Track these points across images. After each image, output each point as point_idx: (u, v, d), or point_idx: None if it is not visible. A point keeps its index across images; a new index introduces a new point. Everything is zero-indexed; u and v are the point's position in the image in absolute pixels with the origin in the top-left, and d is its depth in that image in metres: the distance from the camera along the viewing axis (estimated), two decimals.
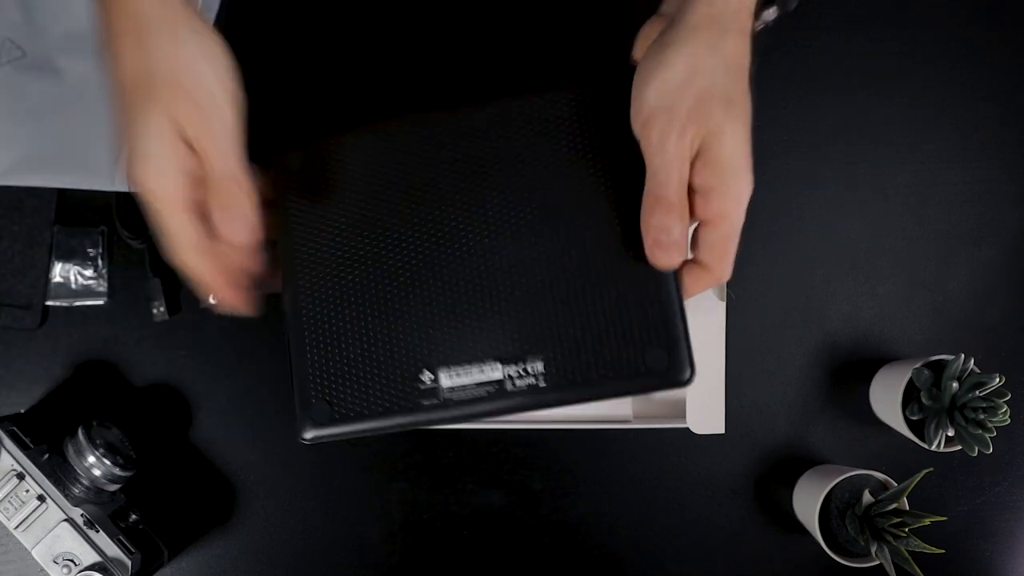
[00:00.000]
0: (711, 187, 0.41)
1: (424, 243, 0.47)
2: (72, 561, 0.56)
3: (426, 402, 0.45)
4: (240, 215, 0.42)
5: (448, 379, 0.45)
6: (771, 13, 0.48)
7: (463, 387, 0.45)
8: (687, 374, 0.43)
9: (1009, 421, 0.59)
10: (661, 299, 0.44)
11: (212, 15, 0.62)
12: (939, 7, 0.70)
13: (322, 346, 0.47)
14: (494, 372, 0.45)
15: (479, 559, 0.66)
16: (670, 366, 0.43)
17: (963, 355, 0.60)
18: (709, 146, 0.40)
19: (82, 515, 0.56)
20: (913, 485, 0.61)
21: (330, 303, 0.47)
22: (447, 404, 0.45)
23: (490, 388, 0.44)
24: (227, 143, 0.41)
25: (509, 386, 0.44)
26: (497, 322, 0.45)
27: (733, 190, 0.41)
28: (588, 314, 0.45)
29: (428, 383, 0.45)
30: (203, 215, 0.42)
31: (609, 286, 0.45)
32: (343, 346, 0.46)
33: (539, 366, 0.44)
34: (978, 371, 0.61)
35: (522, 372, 0.45)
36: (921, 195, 0.69)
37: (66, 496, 0.56)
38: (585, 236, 0.46)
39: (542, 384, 0.44)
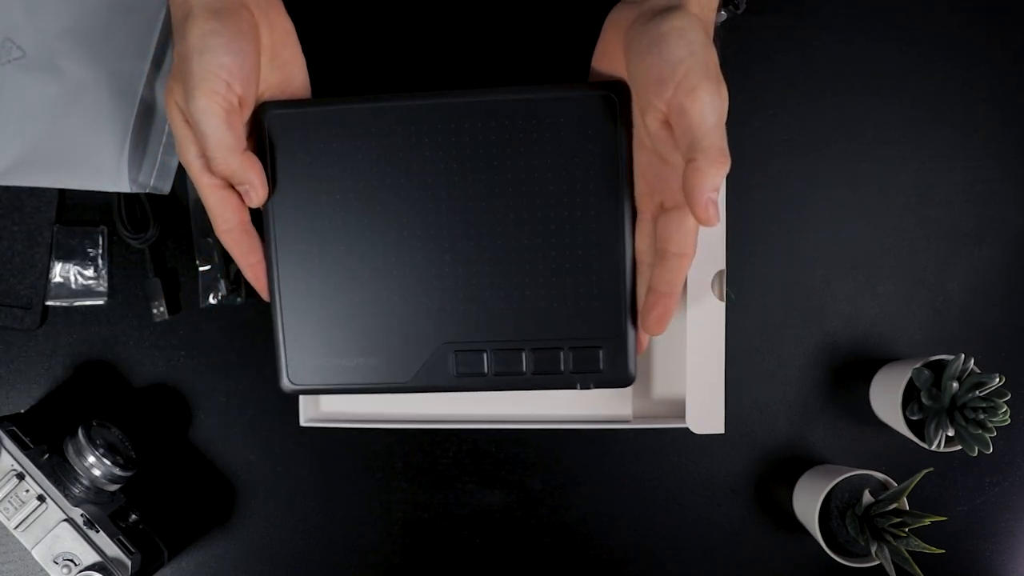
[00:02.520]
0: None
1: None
2: (72, 561, 0.56)
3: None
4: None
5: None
6: (721, 16, 0.52)
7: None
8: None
9: (1009, 421, 0.59)
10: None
11: None
12: (939, 7, 0.70)
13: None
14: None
15: (479, 559, 0.66)
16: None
17: (963, 355, 0.60)
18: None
19: (82, 515, 0.56)
20: (913, 485, 0.61)
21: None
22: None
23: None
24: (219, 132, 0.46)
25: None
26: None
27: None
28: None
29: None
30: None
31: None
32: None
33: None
34: (978, 371, 0.61)
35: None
36: (921, 195, 0.69)
37: (66, 496, 0.56)
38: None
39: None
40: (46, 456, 0.57)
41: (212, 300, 0.64)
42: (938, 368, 0.62)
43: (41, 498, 0.56)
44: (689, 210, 0.42)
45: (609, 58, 0.49)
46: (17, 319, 0.63)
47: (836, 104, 0.69)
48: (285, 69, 0.50)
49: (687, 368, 0.58)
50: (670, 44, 0.43)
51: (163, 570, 0.63)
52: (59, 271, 0.63)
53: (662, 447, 0.67)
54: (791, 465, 0.68)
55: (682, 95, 0.42)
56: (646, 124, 0.45)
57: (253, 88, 0.47)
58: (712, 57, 0.43)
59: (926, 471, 0.61)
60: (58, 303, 0.64)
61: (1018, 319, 0.69)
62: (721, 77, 0.43)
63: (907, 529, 0.60)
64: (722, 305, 0.58)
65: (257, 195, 0.48)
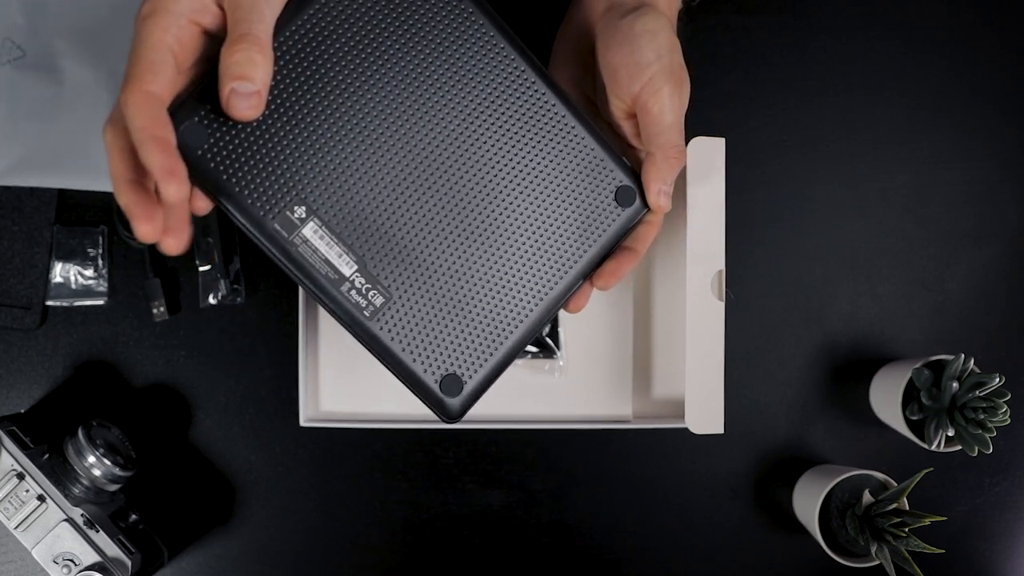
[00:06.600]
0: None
1: (398, 116, 0.44)
2: (72, 561, 0.56)
3: (278, 227, 0.42)
4: (251, 84, 0.39)
5: (311, 233, 0.43)
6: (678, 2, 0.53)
7: (313, 250, 0.43)
8: (453, 419, 0.46)
9: (1009, 421, 0.59)
10: (495, 348, 0.46)
11: None
12: (939, 8, 0.70)
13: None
14: (345, 267, 0.43)
15: (479, 559, 0.66)
16: (443, 409, 0.46)
17: (963, 355, 0.60)
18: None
19: (82, 515, 0.56)
20: (913, 485, 0.61)
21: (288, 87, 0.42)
22: (285, 247, 0.42)
23: (328, 273, 0.43)
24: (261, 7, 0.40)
25: (342, 288, 0.43)
26: (397, 242, 0.44)
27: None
28: (450, 308, 0.45)
29: (295, 218, 0.43)
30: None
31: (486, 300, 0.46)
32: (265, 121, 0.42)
33: (379, 301, 0.44)
34: (978, 371, 0.61)
35: (362, 292, 0.44)
36: (921, 195, 0.69)
37: (66, 496, 0.56)
38: (508, 241, 0.47)
39: (361, 316, 0.44)
40: (46, 456, 0.57)
41: (212, 300, 0.64)
42: (938, 368, 0.62)
43: (41, 498, 0.56)
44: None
45: (574, 37, 0.51)
46: (17, 319, 0.63)
47: (835, 104, 0.69)
48: None
49: (687, 368, 0.58)
50: (642, 46, 0.46)
51: (163, 570, 0.63)
52: (59, 271, 0.63)
53: (662, 447, 0.67)
54: (791, 465, 0.68)
55: (646, 95, 0.46)
56: (611, 111, 0.50)
57: None
58: (677, 59, 0.47)
59: (926, 471, 0.61)
60: (58, 303, 0.64)
61: (1018, 319, 0.69)
62: (683, 75, 0.47)
63: (907, 529, 0.60)
64: (722, 305, 0.58)
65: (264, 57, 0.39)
